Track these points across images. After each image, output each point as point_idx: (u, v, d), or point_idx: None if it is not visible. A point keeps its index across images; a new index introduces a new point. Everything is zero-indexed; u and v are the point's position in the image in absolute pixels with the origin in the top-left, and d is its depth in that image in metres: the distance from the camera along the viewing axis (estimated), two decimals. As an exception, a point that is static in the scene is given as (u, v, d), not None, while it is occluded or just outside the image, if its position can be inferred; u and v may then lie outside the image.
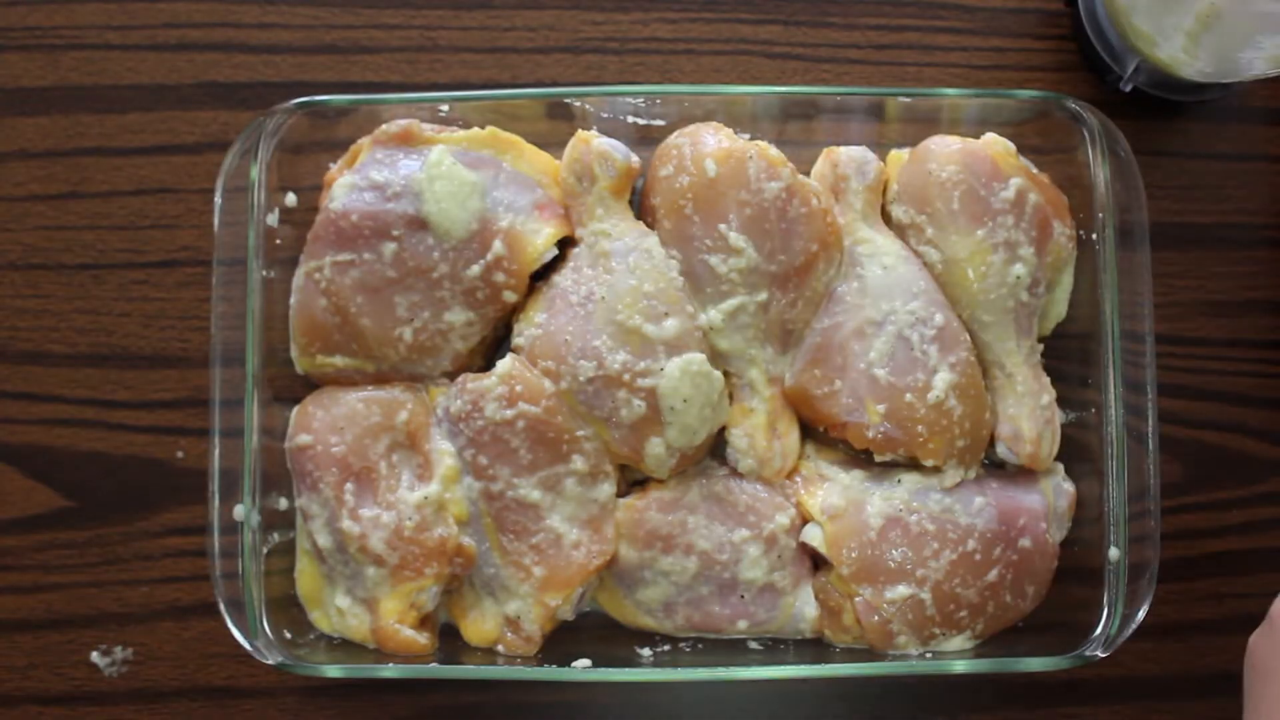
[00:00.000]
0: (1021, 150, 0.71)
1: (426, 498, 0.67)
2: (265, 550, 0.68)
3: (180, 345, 0.75)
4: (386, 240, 0.67)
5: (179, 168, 0.76)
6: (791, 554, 0.69)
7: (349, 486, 0.67)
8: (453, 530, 0.68)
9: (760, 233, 0.67)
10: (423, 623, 0.69)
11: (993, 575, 0.68)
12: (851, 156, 0.70)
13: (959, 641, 0.69)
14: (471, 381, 0.68)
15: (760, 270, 0.67)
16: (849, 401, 0.69)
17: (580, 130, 0.70)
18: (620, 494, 0.70)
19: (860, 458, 0.71)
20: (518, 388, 0.67)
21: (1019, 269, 0.68)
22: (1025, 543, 0.69)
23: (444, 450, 0.68)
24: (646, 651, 0.70)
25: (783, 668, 0.68)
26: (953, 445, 0.69)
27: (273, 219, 0.69)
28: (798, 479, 0.70)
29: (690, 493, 0.69)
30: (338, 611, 0.69)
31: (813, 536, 0.69)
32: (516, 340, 0.69)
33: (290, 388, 0.71)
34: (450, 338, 0.69)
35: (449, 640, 0.71)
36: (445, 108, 0.70)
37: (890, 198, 0.71)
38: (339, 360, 0.69)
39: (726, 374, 0.69)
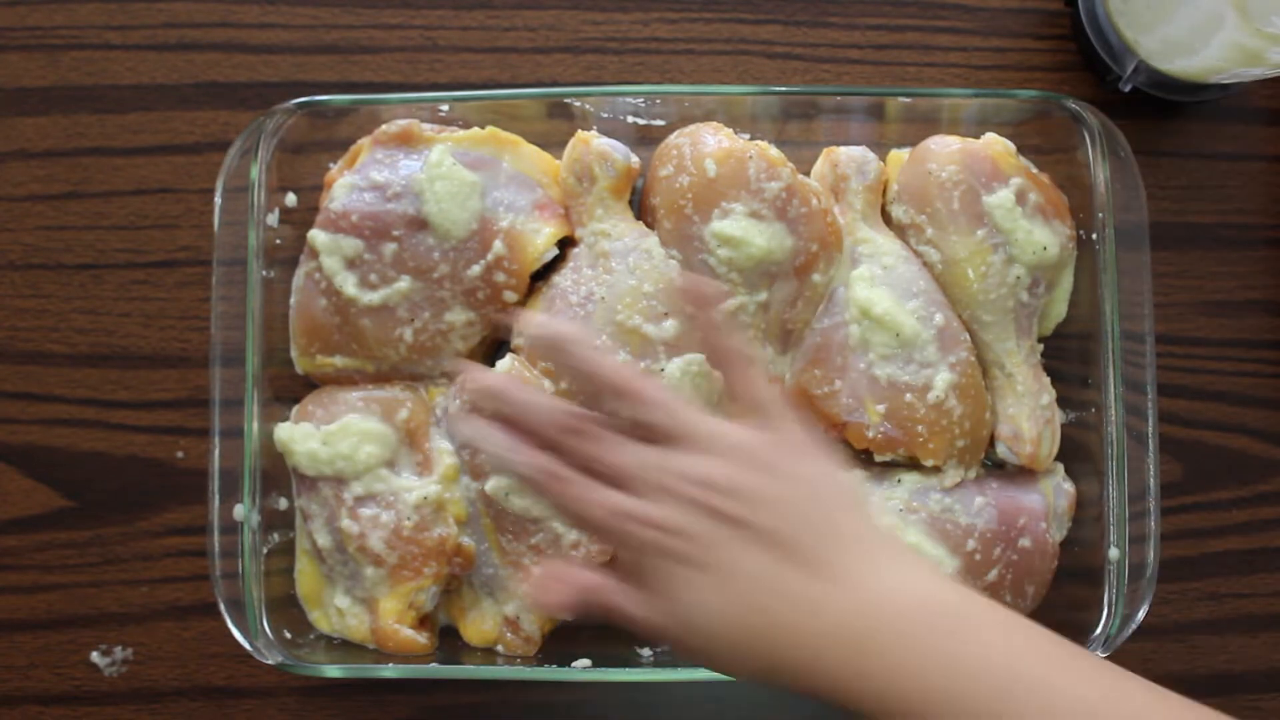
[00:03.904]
0: (1021, 150, 0.71)
1: (426, 497, 0.67)
2: (265, 550, 0.68)
3: (180, 345, 0.75)
4: (387, 240, 0.67)
5: (179, 168, 0.76)
6: (791, 554, 0.69)
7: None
8: (452, 530, 0.68)
9: (760, 233, 0.67)
10: (422, 623, 0.69)
11: (993, 575, 0.68)
12: (851, 156, 0.70)
13: (959, 641, 0.69)
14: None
15: (761, 270, 0.67)
16: (849, 401, 0.69)
17: (580, 130, 0.70)
18: (620, 494, 0.70)
19: (860, 458, 0.71)
20: (518, 388, 0.67)
21: (1018, 269, 0.68)
22: (1025, 543, 0.69)
23: (443, 449, 0.68)
24: (646, 651, 0.70)
25: (783, 668, 0.68)
26: (953, 445, 0.69)
27: (273, 219, 0.69)
28: (798, 479, 0.70)
29: (690, 493, 0.69)
30: (337, 612, 0.69)
31: (813, 536, 0.69)
32: (517, 340, 0.69)
33: (290, 388, 0.71)
34: (450, 338, 0.69)
35: (449, 640, 0.71)
36: (445, 108, 0.70)
37: (890, 198, 0.71)
38: (339, 360, 0.69)
39: (726, 374, 0.69)
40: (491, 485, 0.67)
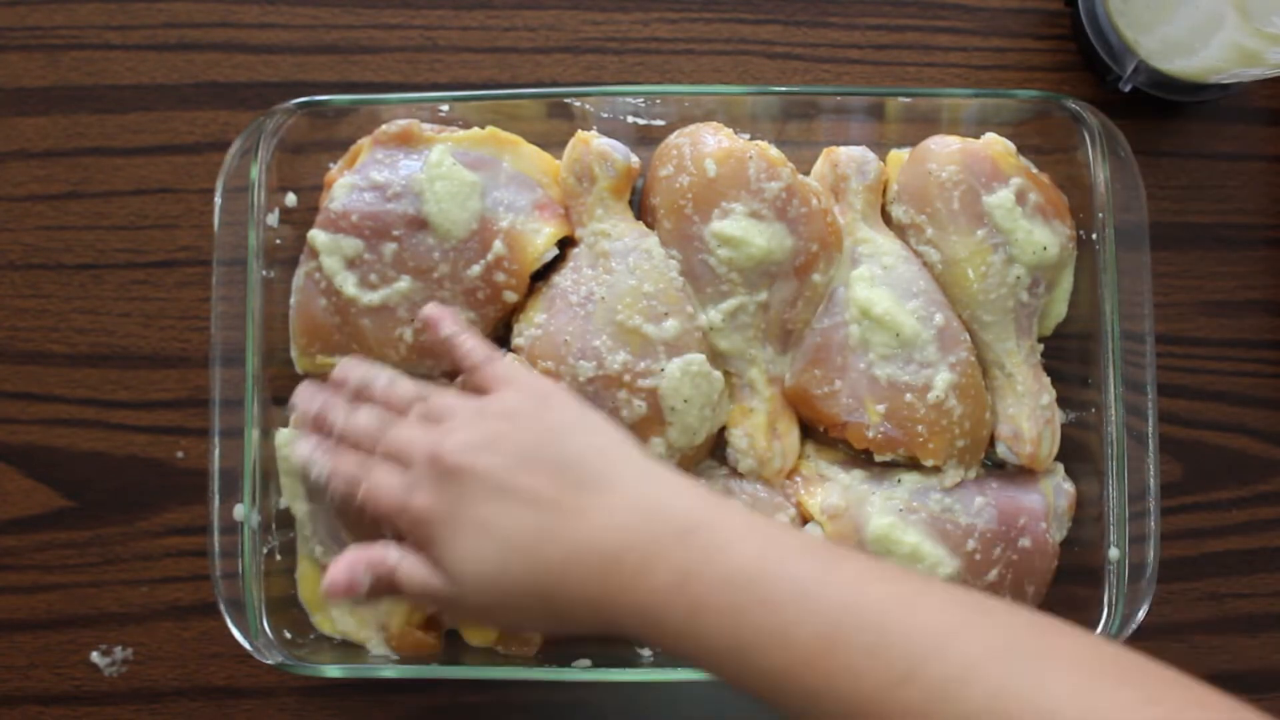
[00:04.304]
0: (1021, 150, 0.71)
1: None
2: (265, 550, 0.68)
3: (180, 345, 0.75)
4: (387, 240, 0.67)
5: (179, 168, 0.76)
6: (791, 554, 0.69)
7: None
8: (453, 530, 0.68)
9: (760, 233, 0.67)
10: (428, 623, 0.69)
11: (993, 575, 0.68)
12: (851, 156, 0.70)
13: (959, 641, 0.69)
14: (471, 381, 0.68)
15: (761, 270, 0.67)
16: (849, 401, 0.69)
17: (580, 130, 0.70)
18: (620, 494, 0.70)
19: (860, 458, 0.71)
20: (518, 388, 0.67)
21: (1018, 269, 0.68)
22: (1025, 543, 0.69)
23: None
24: (646, 651, 0.70)
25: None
26: (953, 445, 0.69)
27: (273, 219, 0.69)
28: (798, 479, 0.70)
29: (690, 493, 0.69)
30: (340, 614, 0.69)
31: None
32: (516, 340, 0.69)
33: (290, 388, 0.70)
34: (450, 338, 0.69)
35: (449, 640, 0.71)
36: (445, 108, 0.70)
37: (890, 198, 0.71)
38: (339, 360, 0.69)
39: (726, 374, 0.69)
40: None
